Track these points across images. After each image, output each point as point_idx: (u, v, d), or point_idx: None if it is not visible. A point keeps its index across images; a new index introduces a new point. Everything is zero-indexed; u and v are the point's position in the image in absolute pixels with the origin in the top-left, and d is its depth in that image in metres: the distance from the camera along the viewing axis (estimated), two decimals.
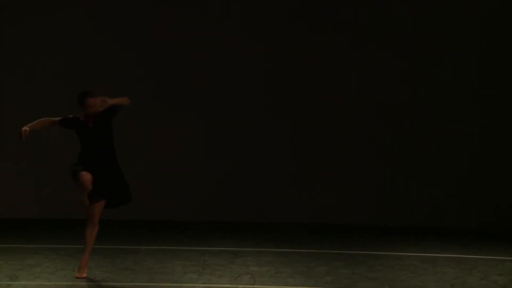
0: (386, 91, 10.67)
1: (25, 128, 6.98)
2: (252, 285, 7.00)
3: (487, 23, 10.66)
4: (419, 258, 8.39)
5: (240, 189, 10.63)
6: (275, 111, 10.73)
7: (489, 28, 10.66)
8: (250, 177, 10.65)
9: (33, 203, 10.46)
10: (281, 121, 10.71)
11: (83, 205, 6.95)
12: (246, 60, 10.71)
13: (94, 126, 7.07)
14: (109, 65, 10.56)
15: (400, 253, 8.65)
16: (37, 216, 10.38)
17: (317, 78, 10.74)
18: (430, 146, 10.67)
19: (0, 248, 8.41)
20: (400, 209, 10.54)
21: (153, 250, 8.43)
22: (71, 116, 7.18)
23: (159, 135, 10.67)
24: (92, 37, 10.61)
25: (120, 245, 8.71)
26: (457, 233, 10.07)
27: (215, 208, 10.55)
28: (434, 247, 9.06)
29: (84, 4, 10.63)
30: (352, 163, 10.66)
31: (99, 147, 7.06)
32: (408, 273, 7.58)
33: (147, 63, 10.61)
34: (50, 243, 8.73)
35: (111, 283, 6.93)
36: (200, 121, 10.64)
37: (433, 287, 7.06)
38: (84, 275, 6.99)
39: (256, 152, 10.71)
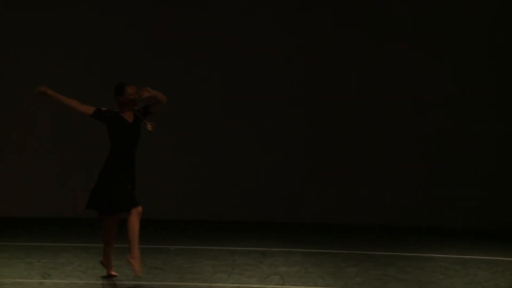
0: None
1: (49, 91, 6.77)
2: (282, 285, 6.94)
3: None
4: (450, 259, 8.31)
5: (268, 190, 10.64)
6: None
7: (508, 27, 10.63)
8: (276, 177, 10.65)
9: (63, 202, 10.51)
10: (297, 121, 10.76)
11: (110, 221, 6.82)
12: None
13: (133, 122, 6.82)
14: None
15: (431, 254, 8.57)
16: (66, 214, 10.42)
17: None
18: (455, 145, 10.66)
19: (32, 246, 8.47)
20: (432, 210, 10.51)
21: (183, 250, 8.42)
22: (105, 108, 6.84)
23: (189, 137, 10.69)
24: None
25: (150, 244, 8.68)
26: (491, 235, 9.99)
27: (242, 208, 10.57)
28: (465, 248, 8.98)
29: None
30: (384, 164, 10.63)
31: (131, 145, 6.83)
32: (439, 275, 7.49)
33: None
34: (81, 241, 8.76)
35: (142, 282, 6.89)
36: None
37: None
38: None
39: (283, 154, 10.72)
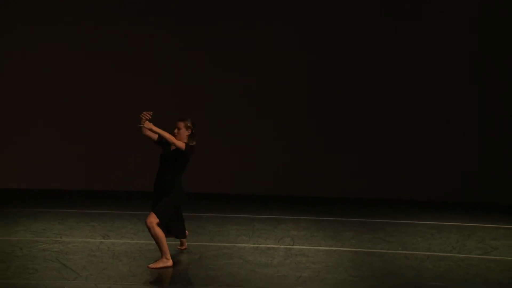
0: (398, 92, 10.47)
1: (152, 126, 5.99)
2: (292, 245, 7.16)
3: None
4: (428, 225, 8.42)
5: (282, 167, 10.60)
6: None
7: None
8: (288, 158, 10.61)
9: (118, 177, 10.48)
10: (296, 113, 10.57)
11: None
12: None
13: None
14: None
15: (413, 221, 8.64)
16: (122, 188, 10.40)
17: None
18: (442, 134, 10.54)
19: (94, 213, 8.67)
20: (417, 185, 10.46)
21: (212, 217, 8.55)
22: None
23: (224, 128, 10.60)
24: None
25: (187, 213, 8.61)
26: (462, 206, 9.97)
27: (261, 183, 10.58)
28: (441, 216, 9.01)
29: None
30: (377, 146, 10.52)
31: None
32: (418, 238, 7.67)
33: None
34: (133, 210, 8.87)
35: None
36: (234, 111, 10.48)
37: (437, 249, 7.19)
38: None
39: (293, 138, 10.62)
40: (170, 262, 6.28)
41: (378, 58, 10.45)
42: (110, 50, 10.55)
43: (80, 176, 10.52)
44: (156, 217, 6.20)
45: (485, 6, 10.34)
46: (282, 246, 7.08)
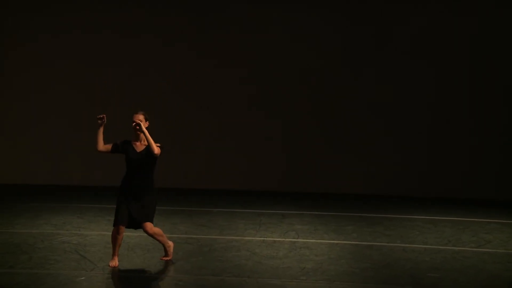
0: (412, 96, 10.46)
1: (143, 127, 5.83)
2: (297, 239, 7.23)
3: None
4: (424, 220, 8.51)
5: (287, 165, 10.62)
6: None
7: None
8: (296, 157, 10.62)
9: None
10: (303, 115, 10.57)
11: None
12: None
13: (141, 151, 6.10)
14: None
15: (410, 216, 8.73)
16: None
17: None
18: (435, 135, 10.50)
19: (111, 208, 8.32)
20: (414, 182, 10.45)
21: (222, 212, 8.65)
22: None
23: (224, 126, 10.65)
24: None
25: (198, 207, 8.95)
26: (456, 201, 10.00)
27: (267, 180, 10.60)
28: (436, 212, 9.07)
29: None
30: (378, 146, 10.48)
31: (135, 170, 6.09)
32: (415, 232, 7.74)
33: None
34: None
35: (192, 235, 7.29)
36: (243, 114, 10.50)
37: (433, 242, 7.26)
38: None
39: (294, 138, 10.61)
40: (172, 244, 6.31)
41: (377, 58, 10.43)
42: (110, 49, 10.56)
43: (97, 173, 10.56)
44: (151, 223, 6.09)
45: (485, 7, 10.26)
46: (287, 239, 7.14)
